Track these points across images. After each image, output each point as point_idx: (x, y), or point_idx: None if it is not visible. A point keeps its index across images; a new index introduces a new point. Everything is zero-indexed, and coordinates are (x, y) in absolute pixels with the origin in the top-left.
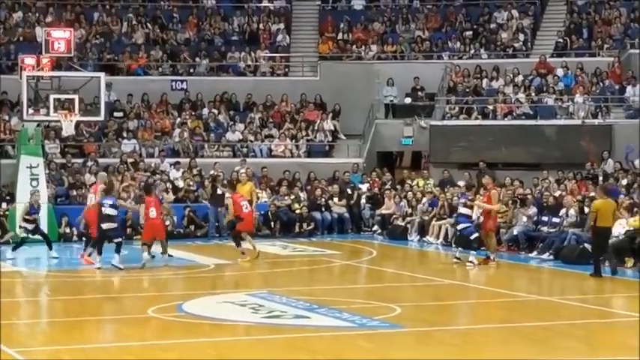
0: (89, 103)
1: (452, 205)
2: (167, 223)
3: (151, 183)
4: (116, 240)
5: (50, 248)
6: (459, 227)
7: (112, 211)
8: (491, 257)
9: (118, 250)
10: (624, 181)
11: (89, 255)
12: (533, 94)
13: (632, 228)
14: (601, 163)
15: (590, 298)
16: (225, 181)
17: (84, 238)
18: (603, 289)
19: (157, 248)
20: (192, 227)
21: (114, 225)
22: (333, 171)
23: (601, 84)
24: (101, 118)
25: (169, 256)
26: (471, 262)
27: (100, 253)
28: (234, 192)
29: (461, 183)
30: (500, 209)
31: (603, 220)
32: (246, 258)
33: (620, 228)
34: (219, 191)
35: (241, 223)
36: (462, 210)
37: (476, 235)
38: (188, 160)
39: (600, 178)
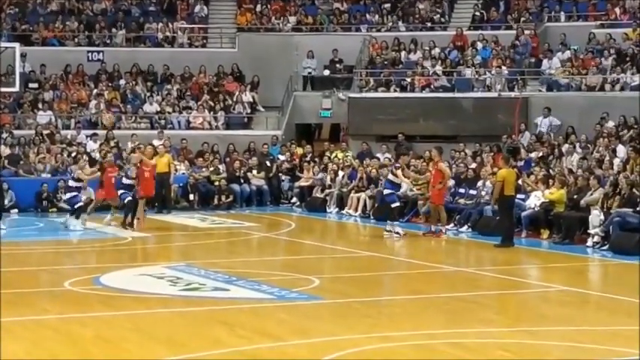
0: (3, 74)
1: (370, 177)
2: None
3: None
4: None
5: None
6: (384, 192)
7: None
8: (443, 230)
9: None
10: (540, 154)
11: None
12: (450, 67)
13: (547, 200)
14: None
15: (506, 269)
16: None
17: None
18: (519, 260)
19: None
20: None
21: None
22: (249, 142)
23: (517, 57)
24: (16, 89)
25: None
26: (388, 231)
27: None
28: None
29: (386, 155)
30: (418, 181)
31: (509, 189)
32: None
33: (535, 200)
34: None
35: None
36: (390, 177)
37: (397, 204)
38: (105, 132)
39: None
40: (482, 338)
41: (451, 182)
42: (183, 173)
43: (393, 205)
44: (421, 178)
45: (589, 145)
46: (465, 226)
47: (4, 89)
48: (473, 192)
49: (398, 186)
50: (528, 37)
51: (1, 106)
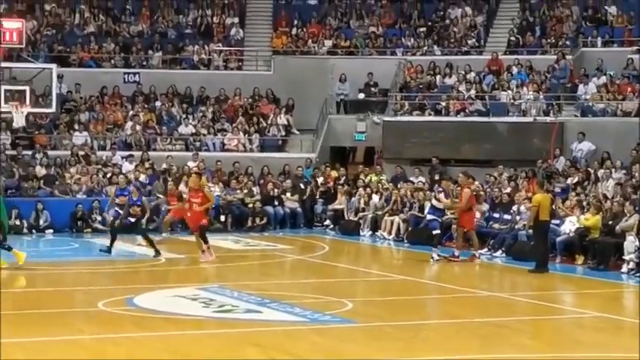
0: (40, 95)
1: (403, 201)
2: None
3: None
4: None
5: None
6: (428, 218)
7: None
8: (476, 254)
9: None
10: (575, 179)
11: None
12: (486, 90)
13: (582, 226)
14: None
15: (540, 294)
16: (175, 175)
17: None
18: (554, 285)
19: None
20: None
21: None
22: (284, 165)
23: (554, 81)
24: (52, 110)
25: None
26: (432, 257)
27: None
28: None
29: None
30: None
31: (544, 214)
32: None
33: (570, 225)
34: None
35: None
36: (434, 202)
37: (438, 231)
38: (140, 153)
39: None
40: None
41: (485, 207)
42: (218, 195)
43: (434, 232)
44: (457, 202)
45: (625, 171)
46: (499, 251)
47: (40, 110)
48: (507, 217)
49: (441, 211)
50: (568, 62)
51: (38, 126)
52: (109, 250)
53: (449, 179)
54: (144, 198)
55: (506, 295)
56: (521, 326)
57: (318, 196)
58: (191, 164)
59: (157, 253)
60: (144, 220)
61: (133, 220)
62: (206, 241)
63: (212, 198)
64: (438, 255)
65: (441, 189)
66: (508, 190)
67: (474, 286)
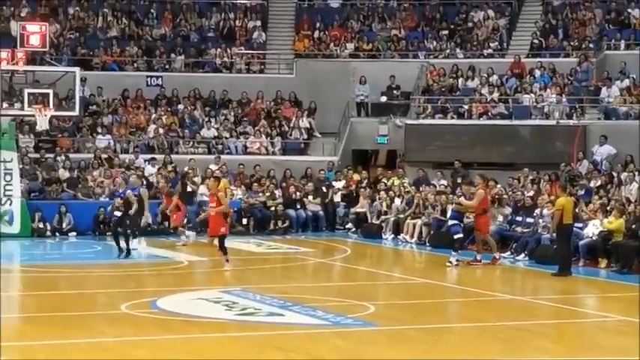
0: (63, 98)
1: (425, 204)
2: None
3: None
4: None
5: None
6: (449, 222)
7: None
8: (497, 256)
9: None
10: (598, 182)
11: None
12: (509, 93)
13: (605, 229)
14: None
15: (563, 298)
16: (195, 179)
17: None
18: (577, 289)
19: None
20: (166, 224)
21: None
22: (306, 168)
23: (577, 84)
24: (76, 113)
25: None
26: (449, 262)
27: None
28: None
29: (442, 182)
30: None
31: (568, 217)
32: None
33: (593, 228)
34: (189, 188)
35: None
36: (454, 206)
37: (460, 235)
38: (163, 156)
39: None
40: None
41: (508, 210)
42: (240, 198)
43: (455, 237)
44: (468, 204)
45: None
46: (522, 255)
47: (63, 113)
48: (530, 220)
49: (463, 215)
50: (591, 65)
51: (61, 129)
52: (122, 252)
53: (469, 183)
54: (129, 191)
55: (529, 298)
56: (544, 330)
57: (337, 200)
58: (213, 167)
59: (128, 253)
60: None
61: (118, 214)
62: (224, 252)
63: (225, 203)
64: (457, 260)
65: (460, 193)
66: (531, 193)
67: (497, 289)
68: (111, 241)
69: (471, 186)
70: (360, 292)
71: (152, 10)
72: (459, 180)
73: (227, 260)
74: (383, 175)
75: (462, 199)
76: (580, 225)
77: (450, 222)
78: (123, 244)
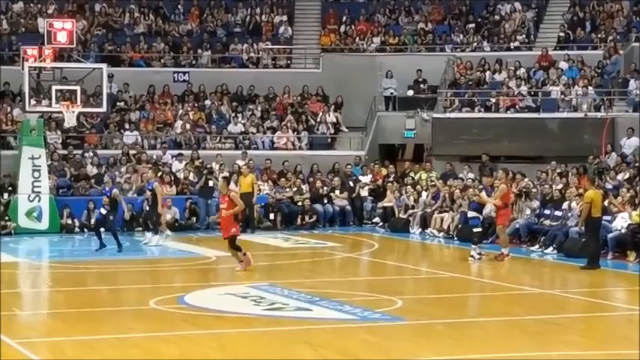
0: (91, 95)
1: (453, 198)
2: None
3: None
4: None
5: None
6: (469, 215)
7: None
8: (504, 252)
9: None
10: (626, 175)
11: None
12: (537, 87)
13: (634, 222)
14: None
15: (592, 291)
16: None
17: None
18: (605, 282)
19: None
20: (193, 219)
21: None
22: (333, 163)
23: (605, 77)
24: (103, 109)
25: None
26: (471, 256)
27: None
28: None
29: (469, 176)
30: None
31: (596, 210)
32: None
33: (622, 221)
34: (210, 183)
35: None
36: (475, 199)
37: (479, 229)
38: (190, 152)
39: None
40: None
41: (536, 203)
42: (267, 193)
43: (475, 230)
44: (489, 200)
45: None
46: (550, 248)
47: (91, 110)
48: (558, 213)
49: (483, 207)
50: (618, 57)
51: (89, 126)
52: (103, 247)
53: (489, 175)
54: (115, 190)
55: (558, 292)
56: (573, 323)
57: (364, 194)
58: (240, 163)
59: (119, 247)
60: (126, 214)
61: (104, 212)
62: (239, 249)
63: (239, 203)
64: (479, 253)
65: (482, 186)
66: (560, 186)
67: (525, 283)
68: (140, 237)
69: (492, 178)
70: (387, 287)
71: (179, 6)
72: (486, 173)
73: (245, 254)
74: (410, 169)
75: (482, 193)
76: (608, 218)
77: (469, 214)
78: (112, 240)
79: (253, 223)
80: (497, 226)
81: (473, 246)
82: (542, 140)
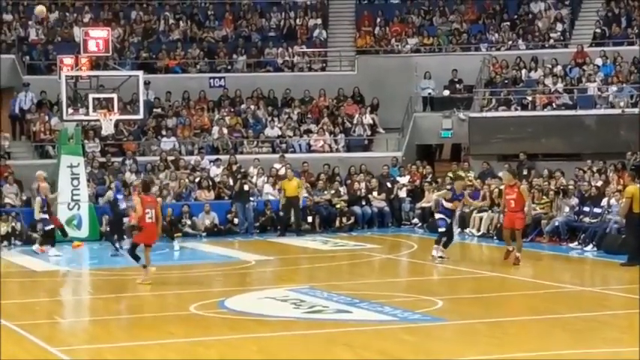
0: (128, 102)
1: (492, 197)
2: (207, 221)
3: (148, 181)
4: None
5: (52, 245)
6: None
7: None
8: (519, 255)
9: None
10: None
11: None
12: (573, 84)
13: None
14: None
15: (633, 287)
16: (249, 178)
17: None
18: None
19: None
20: (235, 221)
21: None
22: (371, 165)
23: None
24: (140, 116)
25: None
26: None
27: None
28: (144, 194)
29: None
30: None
31: (637, 206)
32: (145, 280)
33: None
34: (245, 187)
35: (140, 234)
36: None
37: (443, 229)
38: (228, 156)
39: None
40: (609, 358)
41: (575, 201)
42: (305, 196)
43: (440, 230)
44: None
45: None
46: (590, 245)
47: (128, 117)
48: (597, 210)
49: (450, 211)
50: None
51: (126, 133)
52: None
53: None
54: (112, 195)
55: (598, 289)
56: (614, 320)
57: (402, 195)
58: (277, 166)
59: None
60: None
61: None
62: (137, 258)
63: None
64: (440, 256)
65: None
66: (598, 183)
67: (565, 281)
68: (180, 242)
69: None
70: (427, 287)
71: (213, 12)
72: (525, 172)
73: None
74: (449, 169)
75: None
76: None
77: (437, 215)
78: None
79: (300, 227)
80: (518, 230)
81: (435, 245)
82: (580, 137)
